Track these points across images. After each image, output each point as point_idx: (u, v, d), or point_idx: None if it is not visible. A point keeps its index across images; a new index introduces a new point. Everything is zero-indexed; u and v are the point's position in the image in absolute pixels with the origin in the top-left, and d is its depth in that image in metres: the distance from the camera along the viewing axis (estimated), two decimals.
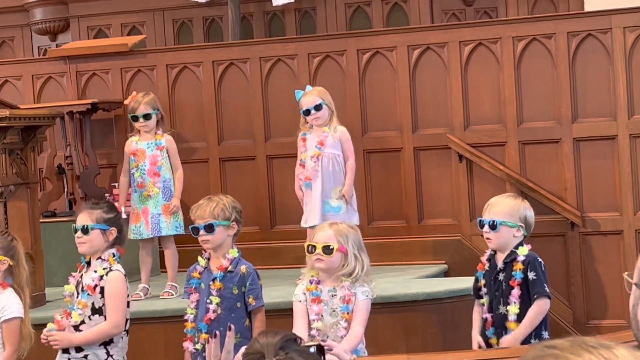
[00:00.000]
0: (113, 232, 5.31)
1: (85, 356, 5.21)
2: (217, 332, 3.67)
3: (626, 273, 2.27)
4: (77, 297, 5.26)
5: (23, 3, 10.69)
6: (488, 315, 5.23)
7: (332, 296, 4.96)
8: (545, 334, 5.17)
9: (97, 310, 5.22)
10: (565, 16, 8.10)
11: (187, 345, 5.36)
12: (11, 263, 5.30)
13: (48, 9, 10.53)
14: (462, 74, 7.99)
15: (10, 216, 6.94)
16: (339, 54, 8.26)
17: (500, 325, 5.18)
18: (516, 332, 5.08)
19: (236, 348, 3.89)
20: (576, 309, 7.75)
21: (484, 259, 5.29)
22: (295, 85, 7.70)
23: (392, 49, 8.13)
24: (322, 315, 4.94)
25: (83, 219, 5.31)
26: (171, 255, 7.34)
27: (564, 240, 7.75)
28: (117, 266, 5.26)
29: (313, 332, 4.91)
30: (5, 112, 6.85)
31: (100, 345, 5.21)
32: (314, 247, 4.91)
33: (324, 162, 7.18)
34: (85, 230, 5.26)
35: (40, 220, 7.45)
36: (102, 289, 5.21)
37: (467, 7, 9.79)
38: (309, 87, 7.41)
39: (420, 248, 8.04)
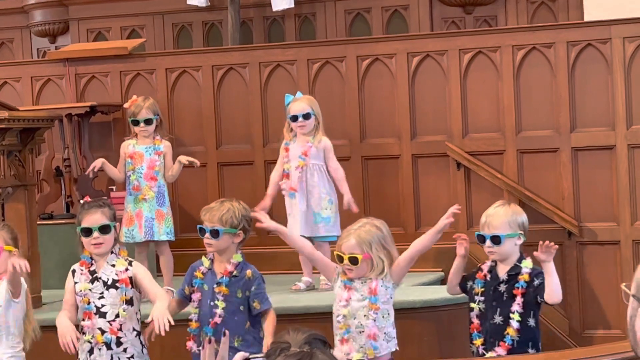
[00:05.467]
0: (118, 227, 5.42)
1: (125, 349, 5.28)
2: (212, 338, 3.67)
3: (624, 284, 2.26)
4: (101, 294, 5.28)
5: (23, 5, 10.69)
6: (477, 321, 5.25)
7: (363, 283, 5.17)
8: (539, 345, 5.21)
9: (130, 301, 5.32)
10: (565, 26, 8.11)
11: (191, 345, 5.39)
12: (14, 251, 5.32)
13: (48, 11, 10.53)
14: (461, 82, 8.00)
15: (8, 218, 6.93)
16: (338, 60, 8.26)
17: (492, 335, 5.18)
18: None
19: (237, 351, 3.91)
20: (572, 319, 7.75)
21: (485, 269, 5.29)
22: (295, 91, 7.70)
23: (391, 56, 8.14)
24: (349, 303, 5.15)
25: (97, 218, 5.29)
26: (166, 260, 7.34)
27: (561, 249, 7.74)
28: (129, 258, 5.43)
29: (339, 317, 5.16)
30: (4, 114, 6.85)
31: (135, 336, 5.30)
32: (342, 257, 5.14)
33: (309, 172, 7.17)
34: (105, 230, 5.26)
35: (38, 223, 7.44)
36: (130, 279, 5.30)
37: (467, 15, 9.79)
38: (299, 94, 7.39)
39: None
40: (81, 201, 5.57)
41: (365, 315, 5.14)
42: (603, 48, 7.71)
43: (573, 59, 7.77)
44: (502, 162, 7.92)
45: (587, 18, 8.85)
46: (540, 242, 5.06)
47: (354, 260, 5.10)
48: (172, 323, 5.04)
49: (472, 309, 5.29)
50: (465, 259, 5.40)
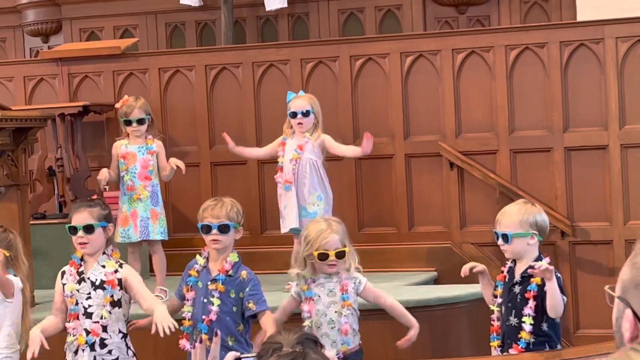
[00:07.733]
0: (111, 228, 5.35)
1: (110, 351, 5.25)
2: (202, 337, 3.68)
3: (607, 286, 2.22)
4: (88, 294, 5.25)
5: (15, 4, 10.67)
6: (497, 323, 5.23)
7: (327, 279, 5.32)
8: (558, 345, 5.20)
9: (116, 303, 5.27)
10: (558, 26, 8.12)
11: (184, 343, 5.36)
12: (6, 254, 5.22)
13: (40, 11, 10.52)
14: (454, 81, 8.00)
15: (0, 218, 6.91)
16: (331, 60, 8.26)
17: (509, 336, 5.16)
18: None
19: (231, 350, 3.91)
20: (565, 318, 7.75)
21: (505, 270, 5.28)
22: (288, 90, 7.69)
23: (384, 56, 8.14)
24: (315, 312, 5.28)
25: (84, 217, 5.25)
26: (159, 260, 7.32)
27: (554, 249, 7.76)
28: (121, 260, 5.37)
29: (306, 329, 5.23)
30: None
31: (121, 339, 5.26)
32: (326, 254, 5.23)
33: (302, 166, 7.15)
34: (89, 230, 5.22)
35: (30, 222, 7.43)
36: (119, 281, 5.25)
37: (460, 15, 9.80)
38: (302, 92, 7.40)
39: (410, 255, 8.04)
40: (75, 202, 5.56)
41: (336, 312, 5.28)
42: (596, 48, 7.72)
43: (566, 58, 7.78)
44: (495, 162, 7.93)
45: (579, 18, 8.86)
46: (530, 270, 5.02)
47: (341, 255, 5.25)
48: (177, 326, 5.05)
49: (492, 311, 5.28)
50: (485, 275, 5.37)
